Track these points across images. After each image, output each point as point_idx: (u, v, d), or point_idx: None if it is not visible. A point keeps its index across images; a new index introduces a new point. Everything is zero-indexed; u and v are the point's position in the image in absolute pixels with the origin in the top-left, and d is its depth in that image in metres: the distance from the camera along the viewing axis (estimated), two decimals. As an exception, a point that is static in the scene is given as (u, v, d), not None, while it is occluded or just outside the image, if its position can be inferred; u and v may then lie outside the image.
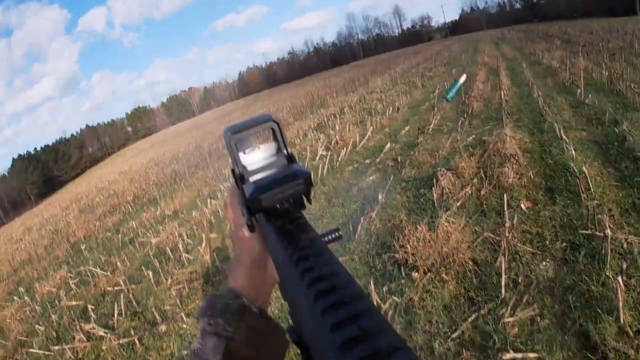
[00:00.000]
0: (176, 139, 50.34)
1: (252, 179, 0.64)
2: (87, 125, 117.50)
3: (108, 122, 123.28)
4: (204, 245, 6.88)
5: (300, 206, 0.60)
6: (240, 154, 0.69)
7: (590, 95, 9.16)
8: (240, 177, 0.66)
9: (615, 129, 6.70)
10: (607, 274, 3.48)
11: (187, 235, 8.13)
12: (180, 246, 7.41)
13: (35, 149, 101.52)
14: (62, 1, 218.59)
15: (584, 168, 4.97)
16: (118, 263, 7.94)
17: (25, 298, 8.14)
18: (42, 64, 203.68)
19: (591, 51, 16.69)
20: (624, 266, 3.32)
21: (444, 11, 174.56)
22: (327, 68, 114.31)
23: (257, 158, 0.69)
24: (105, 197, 19.71)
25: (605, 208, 4.46)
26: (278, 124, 0.67)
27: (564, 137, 6.49)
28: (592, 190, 4.80)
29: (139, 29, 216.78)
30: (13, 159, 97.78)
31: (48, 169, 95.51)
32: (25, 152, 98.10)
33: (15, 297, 8.99)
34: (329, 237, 0.61)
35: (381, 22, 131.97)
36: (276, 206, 0.57)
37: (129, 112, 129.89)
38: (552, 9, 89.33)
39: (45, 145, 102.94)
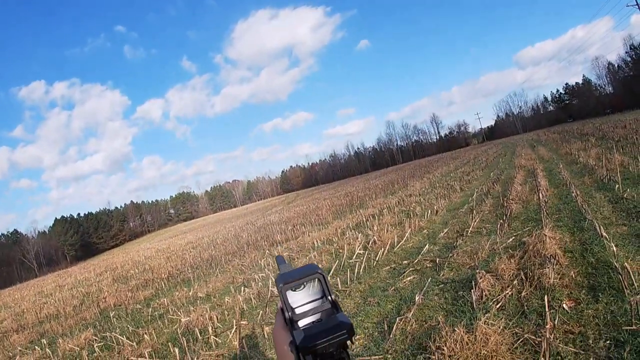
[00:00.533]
0: (216, 225, 51.30)
1: (301, 323, 0.75)
2: (131, 201, 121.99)
3: (152, 201, 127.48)
4: (233, 330, 6.90)
5: (343, 349, 0.69)
6: (289, 292, 0.77)
7: (628, 189, 9.12)
8: (290, 321, 0.75)
9: (657, 221, 6.59)
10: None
11: (217, 319, 8.09)
12: (210, 329, 7.36)
13: (78, 214, 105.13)
14: (124, 88, 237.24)
15: (626, 263, 4.88)
16: (145, 335, 7.95)
17: (47, 350, 8.18)
18: (97, 140, 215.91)
19: (626, 145, 16.76)
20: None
21: (480, 118, 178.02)
22: (367, 171, 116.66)
23: (303, 299, 0.78)
24: (140, 271, 20.08)
25: (650, 303, 4.33)
26: (324, 276, 0.78)
27: (604, 234, 6.40)
28: (635, 285, 4.68)
29: (192, 123, 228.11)
30: (55, 218, 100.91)
31: (88, 235, 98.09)
32: (68, 215, 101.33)
33: (36, 347, 9.07)
34: None
35: (419, 129, 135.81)
36: (323, 350, 0.66)
37: (174, 196, 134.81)
38: (583, 107, 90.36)
39: (88, 213, 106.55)
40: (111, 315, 10.96)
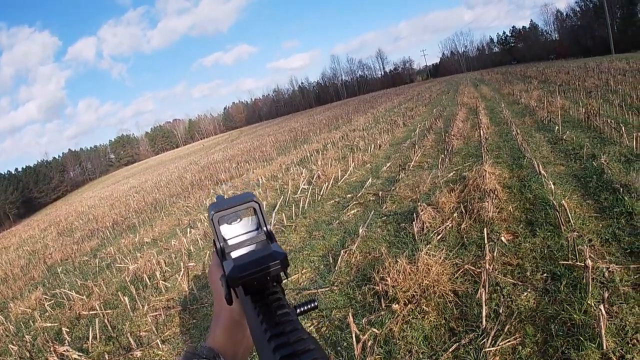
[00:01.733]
0: (159, 167, 50.36)
1: (233, 254, 0.67)
2: (69, 149, 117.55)
3: (91, 147, 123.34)
4: (182, 273, 6.79)
5: (277, 283, 0.62)
6: (224, 225, 0.71)
7: (568, 132, 9.32)
8: (221, 251, 0.68)
9: (594, 162, 6.78)
10: (589, 302, 3.45)
11: (165, 263, 7.94)
12: (158, 274, 7.20)
13: (16, 169, 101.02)
14: (54, 28, 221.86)
15: (563, 201, 5.00)
16: (94, 287, 7.70)
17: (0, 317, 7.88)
18: (29, 87, 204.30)
19: (568, 90, 17.15)
20: (606, 295, 3.29)
21: (425, 55, 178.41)
22: (312, 106, 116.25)
23: (238, 231, 0.73)
24: (84, 222, 19.47)
25: (585, 239, 4.48)
26: (259, 204, 0.70)
27: (542, 172, 6.55)
28: (572, 222, 4.82)
29: (128, 60, 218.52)
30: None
31: (28, 190, 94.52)
32: (6, 172, 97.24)
33: (-12, 314, 8.72)
34: (305, 307, 0.64)
35: (364, 65, 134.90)
36: (254, 282, 0.58)
37: (113, 140, 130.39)
38: (529, 51, 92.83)
39: (26, 167, 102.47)
40: (59, 270, 10.47)
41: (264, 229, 0.71)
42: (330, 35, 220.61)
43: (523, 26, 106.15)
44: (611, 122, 8.73)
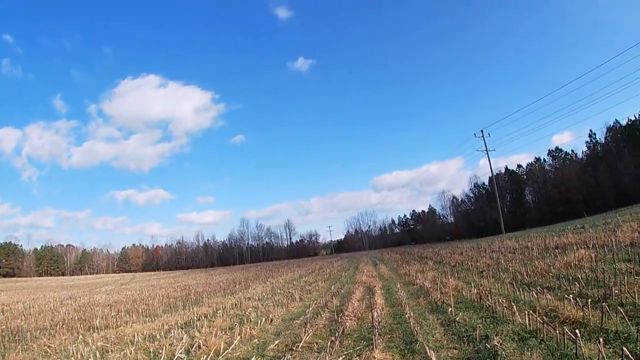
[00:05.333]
0: (36, 291, 46.22)
1: None
2: None
3: None
4: None
5: None
6: None
7: (460, 313, 9.24)
8: None
9: (487, 344, 6.57)
10: None
11: None
12: None
13: None
14: None
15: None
16: None
17: None
18: None
19: (461, 270, 17.74)
20: None
21: (331, 231, 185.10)
22: (213, 265, 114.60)
23: None
24: None
25: None
26: None
27: (433, 358, 6.15)
28: None
29: (43, 168, 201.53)
30: None
31: None
32: None
33: None
34: None
35: (272, 232, 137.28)
36: None
37: None
38: (427, 232, 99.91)
39: None
40: None
41: None
42: (245, 199, 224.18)
43: (422, 210, 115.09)
44: (503, 300, 8.82)
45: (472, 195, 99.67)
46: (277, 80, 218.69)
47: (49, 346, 12.08)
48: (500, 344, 6.22)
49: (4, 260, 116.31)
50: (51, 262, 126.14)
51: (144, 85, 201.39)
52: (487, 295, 9.89)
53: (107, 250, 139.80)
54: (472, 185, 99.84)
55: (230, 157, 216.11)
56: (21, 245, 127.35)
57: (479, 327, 7.55)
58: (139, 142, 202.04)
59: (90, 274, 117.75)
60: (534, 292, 8.98)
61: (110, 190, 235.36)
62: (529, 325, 6.96)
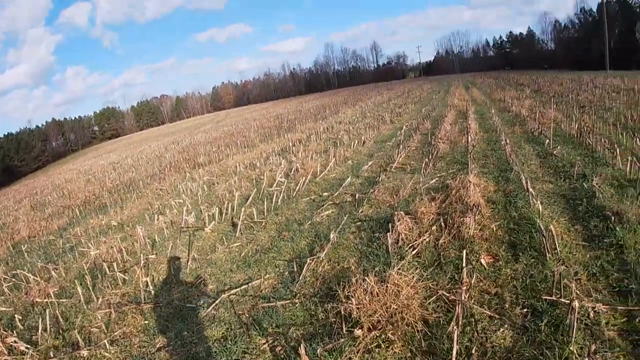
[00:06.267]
0: (141, 144, 49.35)
1: None
2: (53, 119, 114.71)
3: (75, 118, 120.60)
4: (141, 265, 6.22)
5: None
6: None
7: (558, 147, 9.01)
8: None
9: (584, 183, 6.45)
10: (572, 348, 3.05)
11: (126, 251, 7.36)
12: (117, 264, 6.66)
13: None
14: None
15: (550, 226, 4.58)
16: (53, 272, 7.11)
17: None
18: (17, 50, 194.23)
19: (561, 102, 16.84)
20: (592, 348, 2.88)
21: (420, 52, 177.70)
22: (302, 93, 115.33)
23: None
24: (58, 196, 18.68)
25: (571, 271, 4.07)
26: None
27: (529, 189, 6.16)
28: (558, 249, 4.42)
29: (120, 29, 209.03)
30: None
31: (9, 158, 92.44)
32: None
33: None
34: None
35: (358, 56, 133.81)
36: None
37: (98, 112, 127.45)
38: (523, 58, 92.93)
39: (8, 133, 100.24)
40: (24, 249, 9.79)
41: None
42: (326, 23, 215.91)
43: (520, 32, 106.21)
44: (605, 141, 8.40)
45: (576, 21, 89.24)
46: None
47: (160, 189, 13.27)
48: (599, 186, 6.03)
49: (106, 125, 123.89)
50: (149, 114, 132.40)
51: None
52: (588, 133, 9.40)
53: (199, 93, 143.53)
54: (578, 9, 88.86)
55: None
56: (119, 107, 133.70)
57: (578, 164, 7.35)
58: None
59: (187, 117, 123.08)
60: (638, 139, 8.37)
61: (191, 34, 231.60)
62: (630, 173, 6.61)
